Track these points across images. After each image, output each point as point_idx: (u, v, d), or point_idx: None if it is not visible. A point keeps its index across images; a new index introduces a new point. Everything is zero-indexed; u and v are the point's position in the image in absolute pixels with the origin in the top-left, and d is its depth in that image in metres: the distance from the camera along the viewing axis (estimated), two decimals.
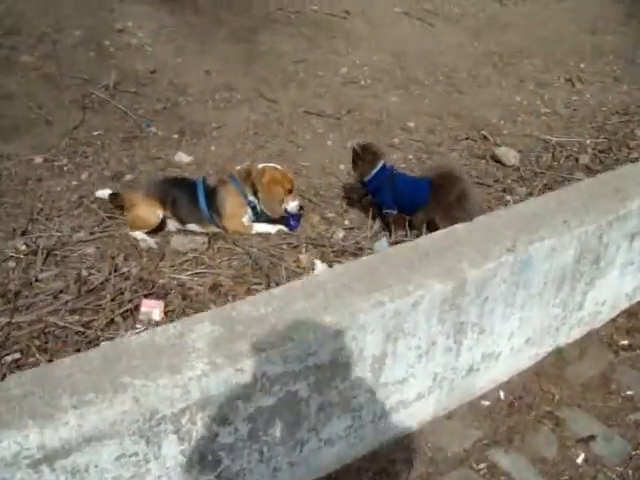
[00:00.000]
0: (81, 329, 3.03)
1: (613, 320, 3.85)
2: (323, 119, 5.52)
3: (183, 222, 3.95)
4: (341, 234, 3.83)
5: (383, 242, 3.65)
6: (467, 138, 5.23)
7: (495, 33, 7.89)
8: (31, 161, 4.67)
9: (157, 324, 3.06)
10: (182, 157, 4.71)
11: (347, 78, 6.40)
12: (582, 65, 7.06)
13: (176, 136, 5.14)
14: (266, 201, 3.87)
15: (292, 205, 3.95)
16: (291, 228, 3.94)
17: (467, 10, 8.60)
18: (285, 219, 3.97)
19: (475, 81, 6.53)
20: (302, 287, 2.52)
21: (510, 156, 4.76)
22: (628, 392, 3.40)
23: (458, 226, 2.98)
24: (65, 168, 4.55)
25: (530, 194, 4.31)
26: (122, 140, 5.02)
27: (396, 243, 3.72)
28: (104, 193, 4.12)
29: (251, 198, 3.92)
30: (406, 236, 3.80)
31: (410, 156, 4.93)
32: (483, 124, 5.50)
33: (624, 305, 3.89)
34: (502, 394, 3.33)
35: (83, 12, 6.94)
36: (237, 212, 3.90)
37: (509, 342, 3.19)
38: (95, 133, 5.10)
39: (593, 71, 6.90)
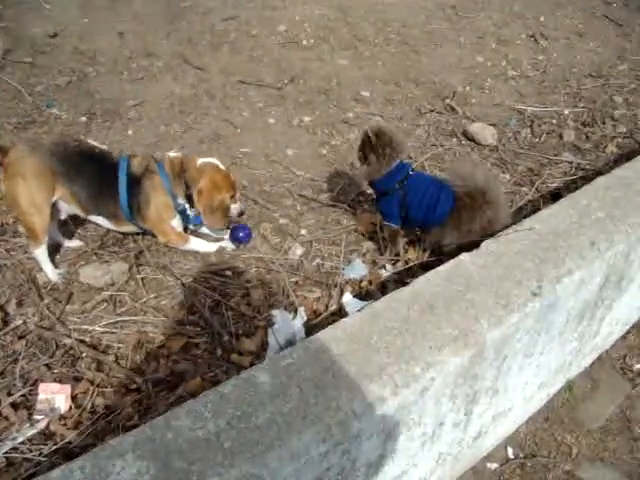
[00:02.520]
0: None
1: (623, 337, 3.24)
2: (262, 90, 4.65)
3: (87, 211, 2.95)
4: (299, 250, 3.04)
5: (356, 266, 2.88)
6: (432, 110, 4.48)
7: None
8: None
9: (63, 417, 2.24)
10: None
11: (286, 38, 5.51)
12: (542, 19, 6.37)
13: (84, 119, 4.18)
14: (206, 213, 2.95)
15: (232, 210, 3.06)
16: (239, 242, 3.08)
17: None
18: (231, 231, 3.11)
19: (430, 38, 5.75)
20: (267, 378, 1.76)
21: (486, 135, 4.05)
22: None
23: (465, 259, 2.25)
24: None
25: (517, 183, 3.62)
26: (15, 127, 4.02)
27: (374, 263, 2.96)
28: None
29: (181, 201, 2.98)
30: (397, 256, 2.99)
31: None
32: (447, 91, 4.76)
33: (635, 319, 3.29)
34: (510, 451, 2.71)
35: None
36: (162, 215, 2.96)
37: (522, 393, 2.53)
38: None
39: (554, 26, 6.23)
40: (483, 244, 2.34)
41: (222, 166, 2.97)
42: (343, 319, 1.99)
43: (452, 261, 2.25)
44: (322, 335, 1.93)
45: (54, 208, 2.88)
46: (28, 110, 4.24)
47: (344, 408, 1.65)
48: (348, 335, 1.90)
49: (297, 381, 1.73)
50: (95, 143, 3.05)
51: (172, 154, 3.01)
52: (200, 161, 2.96)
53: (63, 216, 2.99)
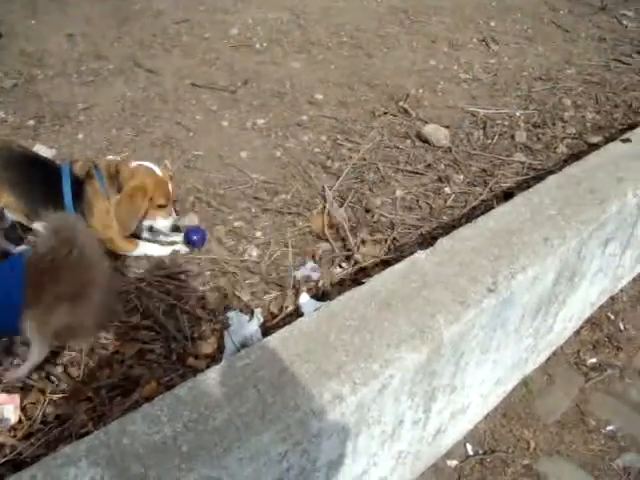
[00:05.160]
0: None
1: (577, 332, 3.29)
2: (215, 93, 4.60)
3: (31, 219, 2.84)
4: (254, 252, 3.01)
5: (311, 266, 2.86)
6: (386, 113, 4.49)
7: None
8: None
9: (12, 429, 2.16)
10: (41, 150, 3.65)
11: (239, 41, 5.47)
12: (492, 23, 6.47)
13: (32, 122, 4.06)
14: (120, 211, 2.81)
15: (162, 224, 2.96)
16: (193, 245, 3.03)
17: None
18: (185, 233, 3.04)
19: (383, 42, 5.78)
20: (220, 379, 1.73)
21: (440, 136, 4.07)
22: (609, 427, 2.89)
23: (420, 256, 2.25)
24: None
25: (471, 184, 3.65)
26: None
27: (330, 262, 2.95)
28: None
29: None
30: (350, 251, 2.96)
31: (323, 137, 4.13)
32: (401, 94, 4.77)
33: (587, 314, 3.35)
34: (470, 448, 2.72)
35: None
36: (104, 222, 2.86)
37: (479, 390, 2.54)
38: None
39: (504, 30, 6.33)
40: (438, 242, 2.35)
41: (157, 169, 2.90)
42: (300, 318, 1.97)
43: (408, 259, 2.25)
44: (279, 335, 1.91)
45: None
46: None
47: (303, 407, 1.63)
48: (305, 334, 1.89)
49: (254, 381, 1.71)
50: (43, 149, 2.96)
51: (110, 158, 2.93)
52: (135, 164, 2.89)
53: (7, 224, 2.91)
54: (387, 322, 1.94)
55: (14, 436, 2.16)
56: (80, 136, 3.97)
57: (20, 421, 2.20)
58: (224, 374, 1.76)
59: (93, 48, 5.04)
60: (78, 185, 2.78)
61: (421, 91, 4.89)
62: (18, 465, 2.04)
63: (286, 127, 4.23)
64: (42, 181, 2.77)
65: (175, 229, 3.00)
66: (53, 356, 2.44)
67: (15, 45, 4.90)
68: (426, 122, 4.35)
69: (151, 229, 3.01)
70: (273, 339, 1.89)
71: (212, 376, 1.75)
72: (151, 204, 2.85)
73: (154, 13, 5.70)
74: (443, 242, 2.35)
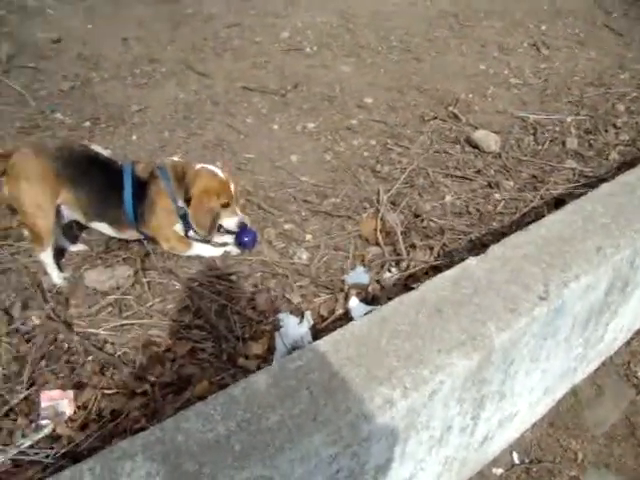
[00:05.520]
0: None
1: (627, 343, 3.24)
2: (266, 96, 4.66)
3: (89, 218, 2.92)
4: (304, 255, 3.04)
5: (361, 270, 2.88)
6: (435, 117, 4.49)
7: None
8: None
9: (70, 420, 2.23)
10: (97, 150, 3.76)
11: (289, 44, 5.53)
12: (543, 27, 6.39)
13: (88, 124, 4.18)
14: (195, 217, 2.90)
15: (228, 222, 3.03)
16: (244, 247, 3.08)
17: None
18: (236, 235, 3.10)
19: (433, 46, 5.77)
20: (272, 380, 1.77)
21: (490, 141, 4.05)
22: None
23: (472, 263, 2.25)
24: None
25: (521, 190, 3.62)
26: (19, 131, 4.02)
27: (379, 267, 2.96)
28: None
29: (182, 204, 2.93)
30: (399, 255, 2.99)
31: (373, 141, 4.16)
32: (450, 99, 4.77)
33: (638, 325, 3.29)
34: (516, 456, 2.71)
35: None
36: (164, 221, 2.94)
37: (528, 398, 2.53)
38: None
39: (556, 34, 6.24)
40: (489, 249, 2.34)
41: (219, 171, 2.96)
42: (351, 322, 2.00)
43: (459, 265, 2.26)
44: (331, 338, 1.93)
45: (57, 212, 2.88)
46: (32, 115, 4.24)
47: (354, 410, 1.66)
48: (356, 338, 1.91)
49: (306, 384, 1.74)
50: (99, 149, 3.05)
51: (174, 159, 3.02)
52: (199, 166, 2.96)
53: (65, 221, 2.99)
54: (438, 328, 1.95)
55: (70, 427, 2.23)
56: (134, 137, 4.07)
57: (75, 413, 2.27)
58: (276, 375, 1.79)
59: (147, 51, 5.15)
60: (139, 185, 2.85)
61: (471, 96, 4.87)
62: (75, 457, 2.12)
63: (336, 131, 4.26)
64: (103, 180, 2.84)
65: (242, 226, 3.04)
66: (111, 352, 2.52)
67: (73, 49, 5.04)
68: (476, 127, 4.33)
69: (219, 229, 3.06)
70: (324, 342, 1.91)
71: (265, 377, 1.78)
72: (220, 205, 2.92)
73: (206, 17, 5.79)
74: (494, 249, 2.34)
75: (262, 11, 6.07)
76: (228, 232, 3.10)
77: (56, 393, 2.29)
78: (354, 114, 4.51)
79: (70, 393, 2.29)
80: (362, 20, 6.14)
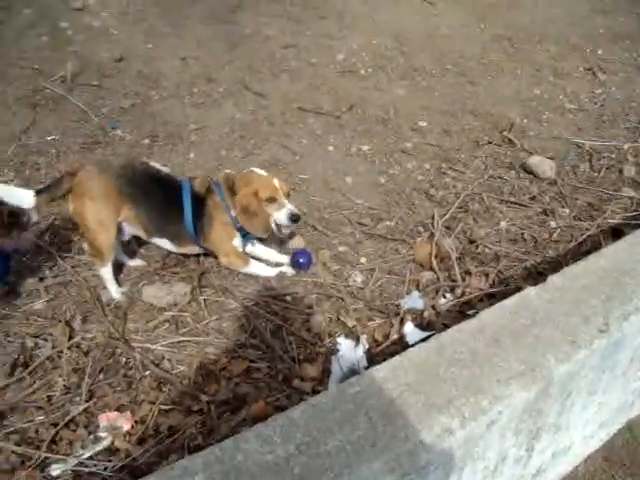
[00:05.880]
0: (13, 447, 2.25)
1: None
2: (321, 118, 4.72)
3: (150, 234, 3.02)
4: (359, 278, 3.07)
5: (416, 295, 2.89)
6: (490, 142, 4.49)
7: (501, 13, 7.11)
8: None
9: (128, 434, 2.29)
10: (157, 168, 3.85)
11: (344, 66, 5.59)
12: (599, 52, 6.32)
13: (147, 141, 4.30)
14: (244, 218, 2.92)
15: (278, 216, 2.98)
16: (300, 268, 3.12)
17: None
18: (292, 256, 3.14)
19: (487, 70, 5.77)
20: (332, 403, 1.79)
21: (545, 167, 4.03)
22: None
23: (530, 293, 2.25)
24: (11, 184, 3.67)
25: (577, 218, 3.59)
26: (81, 147, 4.16)
27: (434, 292, 2.96)
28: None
29: (234, 214, 2.98)
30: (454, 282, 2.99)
31: (427, 165, 4.18)
32: (505, 123, 4.76)
33: None
34: None
35: None
36: (223, 234, 3.00)
37: (583, 431, 2.50)
38: (49, 138, 4.24)
39: (612, 59, 6.18)
40: (548, 279, 2.33)
41: (261, 171, 3.02)
42: (409, 349, 2.01)
43: (517, 295, 2.25)
44: (389, 364, 1.95)
45: (119, 229, 2.96)
46: (94, 131, 4.38)
47: (412, 438, 1.66)
48: (415, 365, 1.92)
49: (365, 409, 1.75)
50: (159, 165, 3.13)
51: (227, 172, 3.08)
52: (244, 171, 3.04)
53: (125, 237, 3.08)
54: (496, 358, 1.95)
55: (128, 441, 2.29)
56: (192, 155, 4.17)
57: (133, 427, 2.33)
58: (335, 400, 1.81)
59: (204, 71, 5.26)
60: (198, 201, 2.92)
61: (526, 121, 4.85)
62: (133, 471, 2.17)
63: (390, 154, 4.30)
64: (163, 197, 2.92)
65: (295, 219, 2.99)
66: (168, 368, 2.58)
67: (133, 67, 5.18)
68: (531, 153, 4.32)
69: (279, 229, 3.07)
70: (383, 368, 1.93)
71: (324, 400, 1.81)
72: (260, 201, 2.93)
73: (263, 38, 5.89)
74: (553, 279, 2.33)
75: (318, 33, 6.14)
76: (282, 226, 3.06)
77: (114, 415, 2.35)
78: (408, 137, 4.54)
79: (128, 414, 2.35)
80: (416, 43, 6.17)
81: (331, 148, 4.34)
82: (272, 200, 2.96)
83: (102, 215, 2.82)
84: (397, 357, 1.99)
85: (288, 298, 2.94)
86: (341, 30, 6.32)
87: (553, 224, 3.53)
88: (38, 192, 2.76)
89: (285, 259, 3.18)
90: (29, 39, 5.30)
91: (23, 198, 2.73)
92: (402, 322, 2.73)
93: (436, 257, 3.15)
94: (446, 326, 2.12)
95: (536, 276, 2.95)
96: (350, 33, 6.29)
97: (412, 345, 2.45)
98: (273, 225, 3.01)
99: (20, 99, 4.60)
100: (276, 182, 2.98)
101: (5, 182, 3.66)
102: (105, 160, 3.17)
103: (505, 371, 1.90)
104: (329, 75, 5.40)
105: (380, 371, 1.92)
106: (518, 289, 2.30)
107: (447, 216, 3.56)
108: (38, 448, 2.26)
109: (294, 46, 5.80)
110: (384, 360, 2.38)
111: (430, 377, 1.87)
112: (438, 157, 4.28)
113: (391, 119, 4.77)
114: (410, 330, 2.66)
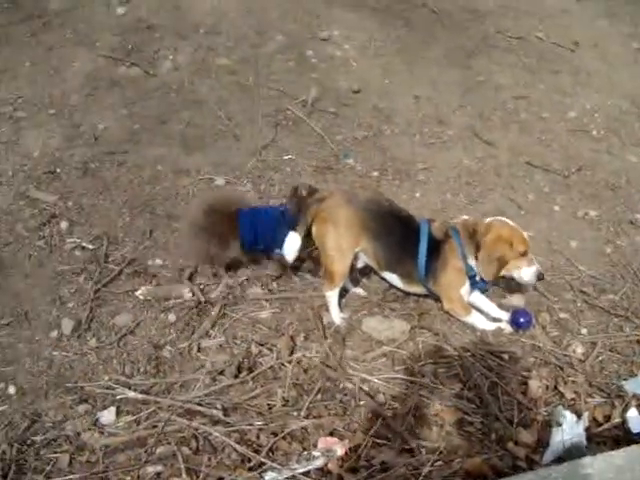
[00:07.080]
0: (235, 445, 2.44)
1: None
2: (548, 175, 4.66)
3: (381, 267, 3.15)
4: (579, 349, 3.00)
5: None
6: None
7: None
8: (211, 181, 4.22)
9: (341, 460, 2.40)
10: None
11: (576, 125, 5.46)
12: None
13: (376, 173, 4.50)
14: (484, 260, 2.97)
15: (526, 272, 3.03)
16: (518, 327, 3.11)
17: None
18: (512, 314, 3.14)
19: None
20: (563, 478, 1.77)
21: None
22: None
23: None
24: (247, 195, 3.99)
25: None
26: (314, 170, 4.44)
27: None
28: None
29: (472, 263, 3.05)
30: None
31: None
32: None
33: None
34: None
35: (287, 15, 6.47)
36: (454, 281, 3.08)
37: None
38: (286, 157, 4.59)
39: None
40: None
41: (512, 223, 3.04)
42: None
43: None
44: (626, 453, 1.90)
45: (355, 259, 3.11)
46: (327, 156, 4.65)
47: None
48: None
49: None
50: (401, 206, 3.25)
51: (465, 217, 3.13)
52: (489, 219, 3.08)
53: (360, 265, 3.22)
54: None
55: (341, 466, 2.39)
56: (417, 194, 4.29)
57: (346, 454, 2.43)
58: (567, 476, 1.79)
59: (436, 112, 5.38)
60: (433, 243, 3.01)
61: None
62: None
63: (618, 223, 4.16)
64: (400, 236, 3.06)
65: (541, 278, 3.06)
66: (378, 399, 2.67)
67: (369, 100, 5.42)
68: None
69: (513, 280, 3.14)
70: (619, 455, 1.89)
71: (554, 475, 1.79)
72: (513, 253, 2.98)
73: (495, 86, 5.91)
74: None
75: (551, 86, 6.05)
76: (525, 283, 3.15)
77: (332, 440, 2.47)
78: (639, 209, 4.34)
79: (346, 442, 2.45)
80: None
81: (557, 208, 4.28)
82: (524, 254, 3.00)
83: (342, 243, 2.99)
84: (633, 447, 1.93)
85: (505, 356, 2.95)
86: (575, 87, 6.18)
87: None
88: (293, 228, 3.06)
89: (504, 315, 3.18)
90: (279, 63, 5.75)
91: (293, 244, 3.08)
92: (626, 406, 2.62)
93: None
94: None
95: None
96: (584, 90, 6.13)
97: (637, 434, 2.36)
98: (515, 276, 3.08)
99: (265, 117, 5.01)
100: (526, 236, 3.00)
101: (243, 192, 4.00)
102: (352, 191, 3.34)
103: None
104: (559, 132, 5.31)
105: (615, 457, 1.87)
106: None
107: None
108: (257, 452, 2.44)
109: (526, 98, 5.76)
110: (603, 443, 2.33)
111: None
112: None
113: (622, 187, 4.61)
114: (634, 416, 2.55)
